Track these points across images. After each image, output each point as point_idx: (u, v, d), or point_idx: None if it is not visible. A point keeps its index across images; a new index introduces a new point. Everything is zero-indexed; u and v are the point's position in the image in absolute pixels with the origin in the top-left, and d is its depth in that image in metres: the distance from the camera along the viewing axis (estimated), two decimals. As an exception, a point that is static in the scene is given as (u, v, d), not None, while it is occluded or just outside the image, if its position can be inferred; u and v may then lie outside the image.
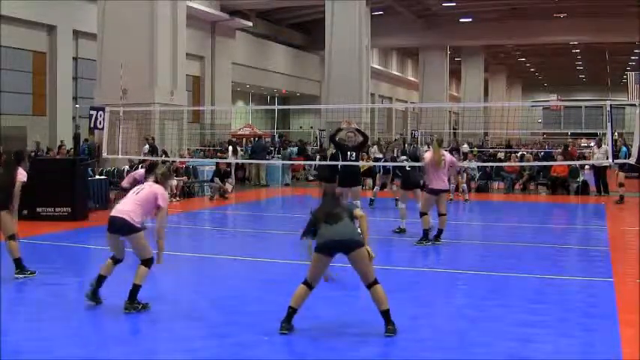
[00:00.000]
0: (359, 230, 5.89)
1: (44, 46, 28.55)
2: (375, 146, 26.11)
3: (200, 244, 11.50)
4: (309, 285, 5.81)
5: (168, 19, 20.73)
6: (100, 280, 6.59)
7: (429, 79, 49.19)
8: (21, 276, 7.84)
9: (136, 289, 6.40)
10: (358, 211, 6.00)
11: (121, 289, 6.98)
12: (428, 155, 10.78)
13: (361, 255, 5.70)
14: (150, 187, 6.61)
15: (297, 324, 5.83)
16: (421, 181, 11.65)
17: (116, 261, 6.64)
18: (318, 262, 5.78)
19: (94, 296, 6.60)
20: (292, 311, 5.78)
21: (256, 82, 43.54)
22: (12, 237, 7.90)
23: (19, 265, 7.90)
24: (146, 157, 17.24)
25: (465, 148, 30.94)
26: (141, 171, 12.49)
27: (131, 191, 6.69)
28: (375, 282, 5.74)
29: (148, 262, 6.46)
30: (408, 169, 12.03)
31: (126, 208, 6.46)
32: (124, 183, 12.44)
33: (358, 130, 11.77)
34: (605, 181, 19.20)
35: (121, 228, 6.41)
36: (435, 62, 48.81)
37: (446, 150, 12.37)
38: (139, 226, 6.41)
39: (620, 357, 5.29)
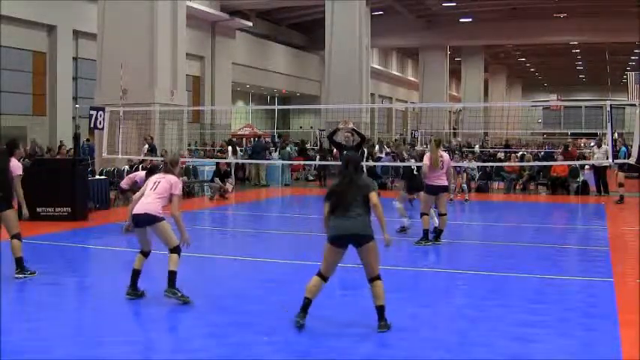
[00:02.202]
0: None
1: (44, 46, 28.54)
2: (377, 145, 26.10)
3: (200, 244, 11.43)
4: (322, 276, 5.92)
5: (169, 19, 20.70)
6: (135, 274, 6.93)
7: (429, 79, 49.21)
8: (21, 276, 7.83)
9: (172, 275, 6.72)
10: (374, 197, 5.92)
11: (118, 290, 6.99)
12: (427, 156, 10.80)
13: (371, 249, 5.82)
14: (165, 179, 7.04)
15: (297, 324, 5.84)
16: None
17: (145, 254, 7.01)
18: (330, 252, 5.90)
19: (134, 291, 6.93)
20: (308, 302, 5.87)
21: (256, 82, 43.53)
22: (16, 236, 7.89)
23: (20, 265, 7.89)
24: (146, 157, 17.25)
25: (476, 148, 30.87)
26: (141, 173, 12.48)
27: (148, 187, 7.03)
28: (378, 277, 5.86)
29: (176, 250, 6.82)
30: (415, 173, 11.93)
31: (147, 201, 6.88)
32: (123, 184, 12.44)
33: (355, 131, 11.74)
34: (605, 181, 19.20)
35: (145, 221, 6.84)
36: (435, 62, 48.83)
37: (444, 150, 12.36)
38: (161, 216, 6.84)
39: (620, 357, 5.29)
